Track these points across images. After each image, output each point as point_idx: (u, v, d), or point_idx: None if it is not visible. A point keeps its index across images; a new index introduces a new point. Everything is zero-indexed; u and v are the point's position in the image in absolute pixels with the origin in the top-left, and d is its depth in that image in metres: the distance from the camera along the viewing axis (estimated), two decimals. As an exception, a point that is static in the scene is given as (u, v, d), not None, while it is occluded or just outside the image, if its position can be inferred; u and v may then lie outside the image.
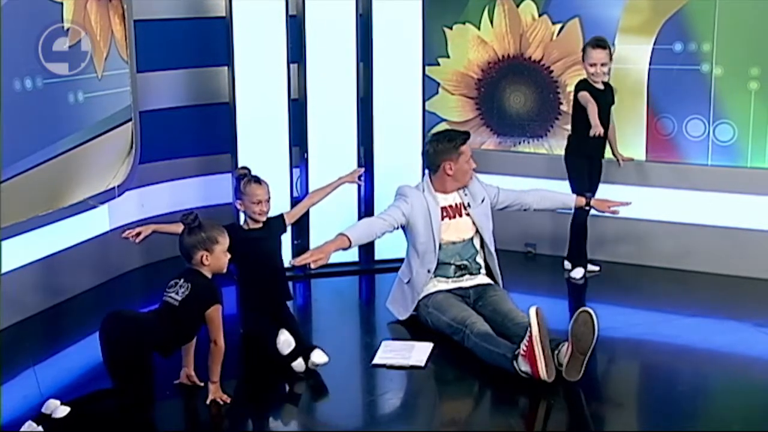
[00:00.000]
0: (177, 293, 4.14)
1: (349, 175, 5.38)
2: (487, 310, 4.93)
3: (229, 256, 4.28)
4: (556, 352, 4.38)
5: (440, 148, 5.11)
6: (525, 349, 4.32)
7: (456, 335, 4.79)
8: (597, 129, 5.57)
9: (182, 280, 4.17)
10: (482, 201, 5.20)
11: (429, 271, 5.07)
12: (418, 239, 5.08)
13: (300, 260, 4.73)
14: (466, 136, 5.14)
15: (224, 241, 4.26)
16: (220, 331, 4.16)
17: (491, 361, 4.52)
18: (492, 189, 5.30)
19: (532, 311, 4.32)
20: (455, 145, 5.08)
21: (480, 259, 5.20)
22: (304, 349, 4.52)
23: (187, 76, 6.30)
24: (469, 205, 5.15)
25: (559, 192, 5.63)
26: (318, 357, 4.49)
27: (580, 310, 4.36)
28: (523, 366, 4.34)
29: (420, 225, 5.07)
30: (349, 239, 4.90)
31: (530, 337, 4.30)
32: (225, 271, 4.29)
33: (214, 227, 4.27)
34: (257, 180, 4.82)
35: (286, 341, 4.47)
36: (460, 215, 5.15)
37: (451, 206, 5.14)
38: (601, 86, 5.76)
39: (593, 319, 4.34)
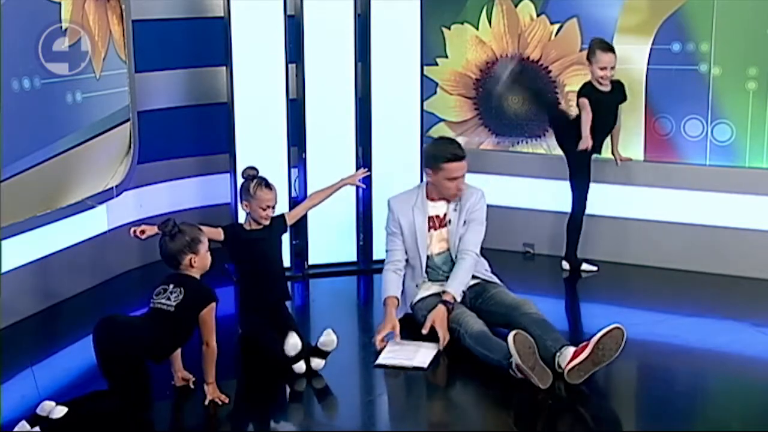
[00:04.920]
0: (169, 299, 4.11)
1: (351, 177, 5.37)
2: (489, 304, 4.92)
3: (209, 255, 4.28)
4: (557, 354, 4.39)
5: (428, 153, 5.07)
6: (516, 368, 4.33)
7: (452, 334, 4.79)
8: (587, 142, 5.67)
9: (172, 286, 4.15)
10: (464, 224, 5.06)
11: (417, 286, 5.05)
12: (408, 252, 5.06)
13: (380, 337, 4.79)
14: (454, 156, 4.90)
15: (206, 239, 4.28)
16: (213, 333, 4.15)
17: (488, 363, 4.52)
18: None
19: (510, 339, 4.31)
20: (439, 158, 4.93)
21: None
22: (306, 351, 4.52)
23: (186, 76, 6.31)
24: (450, 222, 5.06)
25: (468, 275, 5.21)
26: (316, 364, 4.51)
27: (616, 326, 4.36)
28: (518, 374, 4.35)
29: (408, 239, 5.04)
30: (397, 298, 4.97)
31: (516, 364, 4.30)
32: (207, 268, 4.28)
33: (193, 228, 4.27)
34: (267, 185, 4.78)
35: (293, 345, 4.46)
36: (443, 226, 5.08)
37: (437, 216, 5.07)
38: (607, 88, 5.77)
39: (623, 339, 4.36)
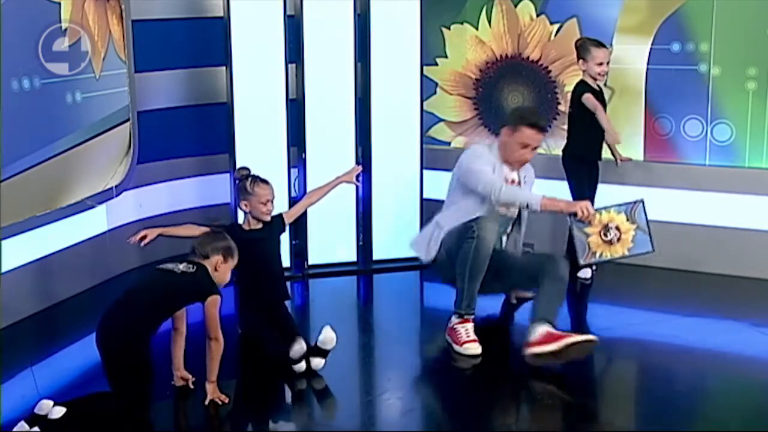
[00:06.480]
0: (178, 267, 4.17)
1: (347, 174, 5.34)
2: (513, 260, 5.02)
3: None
4: (533, 323, 4.52)
5: (514, 113, 5.12)
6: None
7: (464, 235, 4.78)
8: (615, 135, 5.64)
9: (185, 263, 4.21)
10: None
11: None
12: (485, 204, 4.97)
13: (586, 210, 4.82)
14: (535, 124, 4.94)
15: (236, 257, 4.34)
16: (218, 327, 4.15)
17: (458, 268, 4.75)
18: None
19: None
20: (521, 121, 4.94)
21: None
22: (306, 351, 4.53)
23: (185, 76, 6.31)
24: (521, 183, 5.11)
25: None
26: (316, 364, 4.52)
27: (592, 338, 4.48)
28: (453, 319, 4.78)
29: None
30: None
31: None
32: (223, 284, 4.32)
33: (233, 242, 4.36)
34: (263, 180, 4.81)
35: (298, 350, 4.47)
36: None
37: (511, 180, 5.05)
38: (597, 87, 5.77)
39: (592, 351, 4.51)
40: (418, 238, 5.24)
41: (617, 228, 4.89)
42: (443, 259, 5.00)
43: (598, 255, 4.90)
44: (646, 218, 4.93)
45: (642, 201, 4.95)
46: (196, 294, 4.15)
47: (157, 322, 4.10)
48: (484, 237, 4.72)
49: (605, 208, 4.93)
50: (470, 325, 4.78)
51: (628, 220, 4.91)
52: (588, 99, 5.67)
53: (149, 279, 4.22)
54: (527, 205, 4.86)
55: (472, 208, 4.95)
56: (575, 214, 4.84)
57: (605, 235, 4.87)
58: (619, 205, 4.93)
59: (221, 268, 4.26)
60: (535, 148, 5.01)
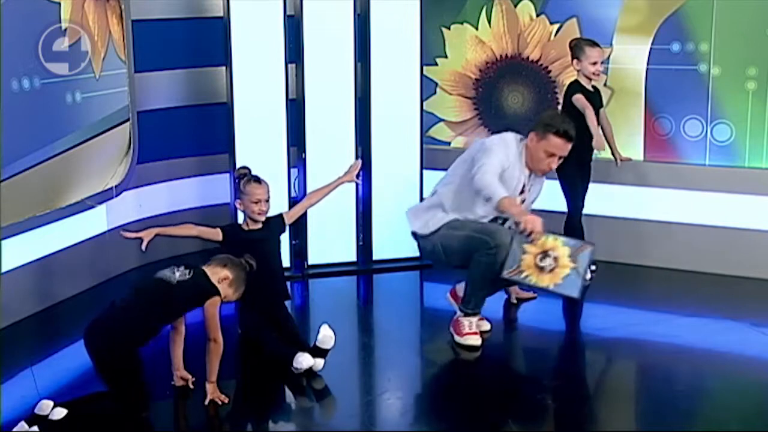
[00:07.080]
0: (174, 273, 4.14)
1: (347, 174, 5.32)
2: None
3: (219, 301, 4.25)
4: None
5: (543, 120, 5.01)
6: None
7: (474, 250, 4.77)
8: (600, 141, 5.57)
9: (183, 267, 4.18)
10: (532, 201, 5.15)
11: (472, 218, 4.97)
12: (486, 206, 4.92)
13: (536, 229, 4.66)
14: (564, 133, 4.86)
15: (237, 295, 4.31)
16: (218, 328, 4.15)
17: (471, 277, 4.84)
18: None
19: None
20: (549, 129, 4.87)
21: None
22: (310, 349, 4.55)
23: (185, 76, 6.31)
24: (528, 191, 5.05)
25: None
26: (316, 365, 4.52)
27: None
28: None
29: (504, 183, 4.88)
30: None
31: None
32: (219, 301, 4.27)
33: (245, 285, 4.34)
34: (257, 179, 4.81)
35: (304, 362, 4.48)
36: (521, 193, 5.03)
37: (515, 178, 4.99)
38: (591, 88, 5.76)
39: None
40: (418, 209, 5.21)
41: (555, 259, 4.64)
42: (437, 250, 5.01)
43: (523, 275, 4.67)
44: (588, 265, 4.69)
45: (593, 246, 4.70)
46: (196, 299, 4.14)
47: (155, 330, 4.10)
48: (501, 254, 4.72)
49: (556, 236, 4.72)
50: (474, 319, 4.83)
51: (570, 256, 4.63)
52: (578, 100, 5.64)
53: (145, 289, 4.14)
54: (489, 198, 4.73)
55: (469, 200, 4.92)
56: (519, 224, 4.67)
57: (541, 260, 4.63)
58: (570, 239, 4.74)
59: (222, 285, 4.22)
60: (561, 157, 4.95)
